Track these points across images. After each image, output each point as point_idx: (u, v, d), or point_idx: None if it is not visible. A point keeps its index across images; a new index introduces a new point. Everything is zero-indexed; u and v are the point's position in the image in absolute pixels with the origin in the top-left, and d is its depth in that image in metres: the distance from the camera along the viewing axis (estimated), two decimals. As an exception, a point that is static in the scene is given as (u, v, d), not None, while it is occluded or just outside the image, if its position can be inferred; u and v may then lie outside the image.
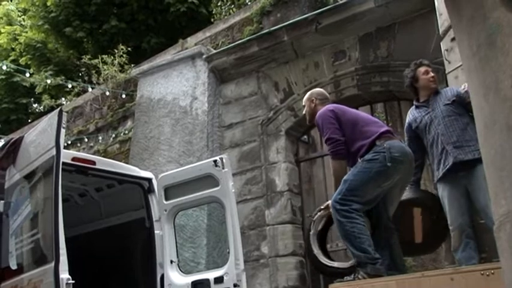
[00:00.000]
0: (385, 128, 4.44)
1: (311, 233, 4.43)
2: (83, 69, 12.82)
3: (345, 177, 4.18)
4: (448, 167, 4.37)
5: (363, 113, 4.71)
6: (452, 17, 2.50)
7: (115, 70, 11.11)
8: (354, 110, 4.63)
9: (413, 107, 4.82)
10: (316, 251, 4.35)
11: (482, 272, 3.03)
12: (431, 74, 4.72)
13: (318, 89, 5.12)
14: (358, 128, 4.34)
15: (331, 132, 4.33)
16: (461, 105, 4.42)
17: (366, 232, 4.02)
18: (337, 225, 4.10)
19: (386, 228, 4.34)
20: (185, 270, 5.49)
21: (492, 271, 2.96)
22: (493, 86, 2.05)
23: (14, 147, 5.12)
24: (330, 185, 7.43)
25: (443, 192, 4.46)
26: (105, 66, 11.24)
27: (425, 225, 4.58)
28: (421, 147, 4.69)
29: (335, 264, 4.52)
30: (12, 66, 13.42)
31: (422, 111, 4.66)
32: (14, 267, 4.79)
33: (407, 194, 4.66)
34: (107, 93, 10.98)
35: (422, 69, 4.76)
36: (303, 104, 4.90)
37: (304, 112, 4.92)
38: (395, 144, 4.20)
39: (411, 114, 4.80)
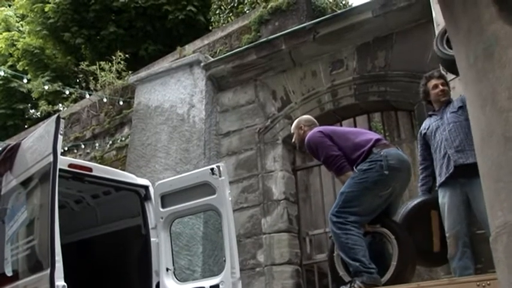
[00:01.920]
0: (378, 136, 4.49)
1: (334, 254, 4.43)
2: (81, 75, 12.81)
3: (341, 190, 4.21)
4: (450, 171, 4.37)
5: (350, 128, 4.76)
6: (449, 29, 2.51)
7: (112, 77, 11.11)
8: (340, 127, 4.69)
9: (428, 116, 4.86)
10: (342, 272, 4.35)
11: (478, 283, 3.04)
12: (440, 88, 4.71)
13: (305, 116, 5.21)
14: (351, 141, 4.39)
15: (327, 151, 4.37)
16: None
17: (361, 243, 4.04)
18: (333, 236, 4.15)
19: None
20: (181, 278, 5.48)
21: (488, 282, 2.97)
22: (490, 97, 2.06)
23: (11, 153, 5.11)
24: (327, 193, 7.47)
25: (443, 199, 4.45)
26: (102, 73, 11.24)
27: (442, 232, 4.50)
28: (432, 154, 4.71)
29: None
30: (10, 71, 13.43)
31: (432, 119, 4.71)
32: (9, 273, 4.77)
33: (420, 198, 4.66)
34: (104, 99, 10.98)
35: (431, 83, 4.78)
36: (292, 132, 4.96)
37: (293, 140, 4.98)
38: (392, 152, 4.23)
39: (424, 123, 4.85)
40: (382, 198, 4.18)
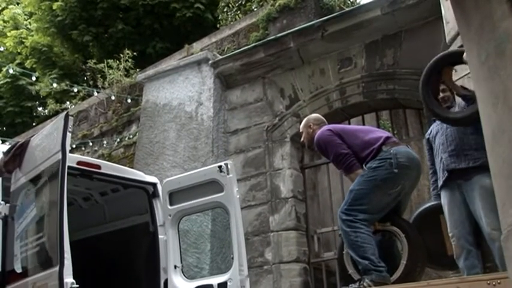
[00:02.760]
0: (387, 134, 4.47)
1: (344, 252, 4.44)
2: (88, 73, 12.85)
3: (350, 187, 4.20)
4: (445, 176, 4.38)
5: (359, 126, 4.72)
6: (460, 26, 2.50)
7: (120, 75, 11.13)
8: (350, 125, 4.66)
9: (433, 120, 4.84)
10: (351, 271, 4.37)
11: (488, 282, 3.01)
12: (441, 95, 4.64)
13: (314, 115, 5.19)
14: (361, 139, 4.37)
15: (336, 149, 4.36)
16: None
17: (371, 241, 4.03)
18: (343, 234, 4.13)
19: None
20: (189, 275, 5.48)
21: (499, 281, 2.94)
22: (502, 95, 2.05)
23: (20, 151, 5.13)
24: (335, 191, 7.45)
25: (444, 200, 4.46)
26: (110, 71, 11.25)
27: None
28: None
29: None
30: (18, 69, 13.47)
31: (435, 124, 4.69)
32: (18, 270, 4.80)
33: (428, 203, 4.67)
34: (112, 97, 11.00)
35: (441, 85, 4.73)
36: (301, 130, 4.94)
37: (302, 139, 4.96)
38: (402, 150, 4.22)
39: (429, 128, 4.84)
40: (392, 196, 4.17)
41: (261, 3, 10.59)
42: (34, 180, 4.90)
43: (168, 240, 5.53)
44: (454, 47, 5.28)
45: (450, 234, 4.40)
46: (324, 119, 5.00)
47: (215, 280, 5.14)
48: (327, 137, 4.44)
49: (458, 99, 4.62)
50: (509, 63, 2.01)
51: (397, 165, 4.09)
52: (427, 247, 4.47)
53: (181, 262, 5.52)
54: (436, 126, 4.64)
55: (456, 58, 4.27)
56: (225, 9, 12.15)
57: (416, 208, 4.80)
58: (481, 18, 2.19)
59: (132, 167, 8.00)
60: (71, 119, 4.64)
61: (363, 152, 4.29)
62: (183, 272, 5.47)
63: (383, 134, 4.43)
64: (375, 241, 4.12)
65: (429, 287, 3.35)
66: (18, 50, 16.80)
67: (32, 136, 5.36)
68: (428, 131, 4.81)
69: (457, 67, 5.23)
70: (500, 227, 2.11)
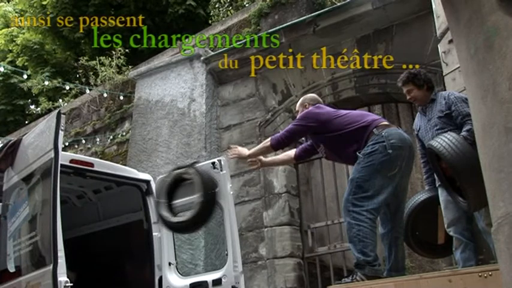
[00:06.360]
0: (377, 117, 4.44)
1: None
2: (81, 70, 12.80)
3: (351, 177, 4.18)
4: None
5: (350, 112, 4.60)
6: (450, 20, 2.51)
7: (112, 71, 11.10)
8: (342, 112, 4.56)
9: (418, 112, 4.84)
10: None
11: (480, 274, 3.03)
12: (408, 97, 4.72)
13: (310, 94, 5.15)
14: (352, 125, 4.31)
15: (295, 129, 4.47)
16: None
17: (372, 237, 4.00)
18: (347, 225, 4.09)
19: (400, 227, 4.36)
20: (183, 272, 5.50)
21: (490, 273, 2.97)
22: (491, 88, 2.06)
23: (12, 149, 5.12)
24: (328, 186, 7.47)
25: (441, 196, 4.49)
26: (102, 68, 11.23)
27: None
28: None
29: (172, 219, 4.98)
30: (10, 67, 13.41)
31: (421, 119, 4.70)
32: (12, 269, 4.79)
33: (428, 194, 4.70)
34: (105, 94, 10.98)
35: (403, 90, 4.76)
36: (297, 109, 4.92)
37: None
38: (393, 132, 4.19)
39: (416, 119, 4.85)
40: (391, 178, 4.11)
41: (252, -1, 10.59)
42: (27, 179, 4.89)
43: (162, 238, 5.54)
44: (444, 41, 5.29)
45: (448, 229, 4.45)
46: (320, 99, 4.97)
47: (209, 277, 5.16)
48: (308, 114, 4.46)
49: (440, 94, 4.62)
50: (497, 57, 2.02)
51: (391, 147, 4.06)
52: (421, 236, 4.60)
53: (176, 259, 5.53)
54: (424, 124, 4.63)
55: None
56: (216, 5, 12.13)
57: (412, 198, 4.81)
58: (470, 12, 2.20)
59: (125, 165, 8.00)
60: (63, 117, 4.64)
61: (353, 138, 4.25)
62: (177, 269, 5.49)
63: (373, 117, 4.38)
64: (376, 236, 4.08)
65: (422, 280, 3.36)
66: (10, 48, 16.72)
67: (25, 134, 5.36)
68: (416, 126, 4.81)
69: (448, 61, 5.27)
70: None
